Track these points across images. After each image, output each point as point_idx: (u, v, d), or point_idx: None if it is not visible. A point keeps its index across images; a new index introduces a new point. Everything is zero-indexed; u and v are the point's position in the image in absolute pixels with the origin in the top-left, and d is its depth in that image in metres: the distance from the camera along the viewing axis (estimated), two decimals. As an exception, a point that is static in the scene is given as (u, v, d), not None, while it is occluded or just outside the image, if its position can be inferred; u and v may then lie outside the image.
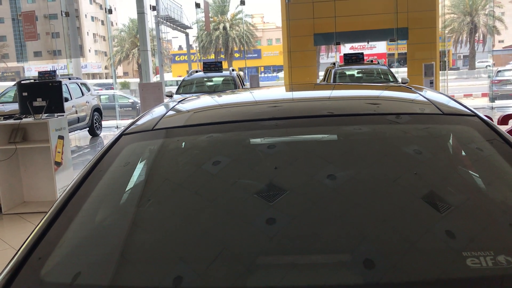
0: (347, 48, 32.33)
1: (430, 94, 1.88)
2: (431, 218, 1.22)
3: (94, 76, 57.95)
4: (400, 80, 12.28)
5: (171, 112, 1.89)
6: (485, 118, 1.56)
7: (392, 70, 14.55)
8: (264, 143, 1.68)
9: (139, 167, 1.60)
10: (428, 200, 1.26)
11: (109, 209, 1.46)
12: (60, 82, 6.11)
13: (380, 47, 40.55)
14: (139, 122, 1.82)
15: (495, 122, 4.61)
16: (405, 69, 17.20)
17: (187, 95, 5.77)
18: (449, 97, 1.85)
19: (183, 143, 1.66)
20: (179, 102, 2.10)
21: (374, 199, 1.29)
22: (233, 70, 13.71)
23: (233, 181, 1.46)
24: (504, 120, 4.80)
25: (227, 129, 1.64)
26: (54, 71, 12.74)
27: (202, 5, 18.82)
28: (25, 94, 5.96)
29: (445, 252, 1.11)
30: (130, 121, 1.95)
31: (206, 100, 2.29)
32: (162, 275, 1.12)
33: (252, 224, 1.25)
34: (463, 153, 1.52)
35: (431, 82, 12.53)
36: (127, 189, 1.52)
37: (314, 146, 1.62)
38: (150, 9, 17.04)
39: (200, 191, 1.42)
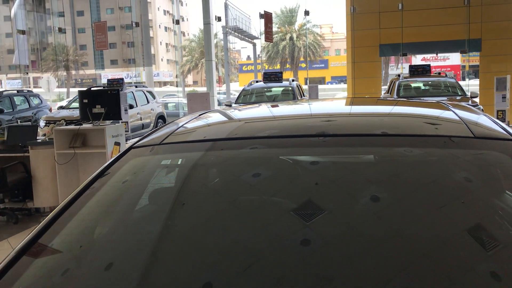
0: (418, 59, 31.30)
1: (468, 114, 1.76)
2: (476, 256, 1.11)
3: (165, 84, 60.22)
4: (469, 94, 11.66)
5: (185, 126, 1.86)
6: None
7: (464, 83, 13.85)
8: (291, 160, 1.61)
9: (142, 180, 1.59)
10: (475, 235, 1.17)
11: (107, 221, 1.45)
12: (118, 90, 6.34)
13: (454, 58, 38.88)
14: (151, 136, 1.82)
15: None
16: (477, 81, 16.33)
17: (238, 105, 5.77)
18: (492, 119, 1.72)
19: (193, 159, 1.63)
20: (200, 115, 2.06)
21: (415, 227, 1.21)
22: (293, 80, 13.66)
23: (240, 197, 1.41)
24: None
25: (239, 146, 1.59)
26: (122, 79, 13.33)
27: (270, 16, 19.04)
28: (85, 101, 6.25)
29: None
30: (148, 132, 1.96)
31: (231, 113, 2.25)
32: (190, 283, 1.10)
33: (285, 241, 1.20)
34: (502, 182, 1.39)
35: (503, 97, 11.77)
36: (130, 201, 1.51)
37: (352, 166, 1.55)
38: (216, 19, 17.41)
39: (221, 207, 1.39)
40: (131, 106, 12.31)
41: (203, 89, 40.43)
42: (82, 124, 6.33)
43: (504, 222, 1.25)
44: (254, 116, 2.15)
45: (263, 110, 2.31)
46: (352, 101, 2.98)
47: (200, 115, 2.06)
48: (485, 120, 1.70)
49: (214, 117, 2.11)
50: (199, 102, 9.99)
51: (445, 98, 10.44)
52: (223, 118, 2.10)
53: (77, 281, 1.18)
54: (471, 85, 17.62)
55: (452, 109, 1.82)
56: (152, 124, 13.73)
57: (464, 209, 1.27)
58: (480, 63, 15.76)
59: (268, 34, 16.69)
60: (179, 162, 1.67)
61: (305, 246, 1.15)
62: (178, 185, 1.55)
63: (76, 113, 11.18)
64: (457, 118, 1.69)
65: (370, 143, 1.52)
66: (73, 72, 51.13)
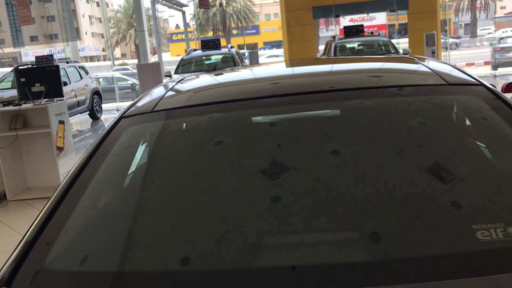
0: (346, 21, 31.92)
1: (433, 64, 1.83)
2: (437, 190, 1.20)
3: (92, 58, 57.62)
4: (401, 51, 12.13)
5: (170, 93, 1.86)
6: (491, 86, 1.52)
7: (393, 41, 14.33)
8: (266, 121, 1.66)
9: (140, 150, 1.58)
10: (435, 172, 1.24)
11: (113, 193, 1.45)
12: (58, 66, 6.03)
13: (380, 18, 40.03)
14: (138, 104, 1.80)
15: (499, 90, 4.56)
16: (406, 39, 16.98)
17: (186, 75, 5.71)
18: (453, 66, 1.81)
19: (184, 124, 1.64)
20: (177, 82, 2.06)
21: (379, 174, 1.27)
22: (231, 47, 13.56)
23: (235, 160, 1.44)
24: (508, 88, 4.71)
25: (227, 109, 1.61)
26: (52, 55, 12.62)
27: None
28: (23, 79, 5.89)
29: (453, 225, 1.09)
30: (129, 103, 1.92)
31: (205, 80, 2.26)
32: (168, 257, 1.11)
33: (257, 203, 1.23)
34: (469, 123, 1.49)
35: (433, 52, 12.37)
36: (129, 172, 1.50)
37: (317, 122, 1.59)
38: (145, -12, 16.74)
39: (203, 172, 1.41)
40: (64, 83, 11.71)
41: (134, 61, 39.09)
42: (21, 104, 5.97)
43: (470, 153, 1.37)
44: (233, 80, 2.16)
45: (230, 75, 2.34)
46: (315, 61, 3.03)
47: (177, 82, 2.06)
48: (449, 68, 1.78)
49: (196, 82, 2.10)
50: (149, 73, 9.69)
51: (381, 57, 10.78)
52: (201, 83, 2.12)
53: (61, 264, 1.17)
54: (401, 42, 18.29)
55: (421, 61, 1.89)
56: (87, 101, 13.17)
57: (429, 150, 1.35)
58: (408, 21, 16.35)
59: (204, 0, 16.30)
60: (166, 129, 1.66)
61: (276, 202, 1.19)
62: (160, 155, 1.56)
63: (6, 94, 10.51)
64: (428, 69, 1.76)
65: (359, 96, 1.56)
66: (-11, 51, 47.60)
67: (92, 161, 1.47)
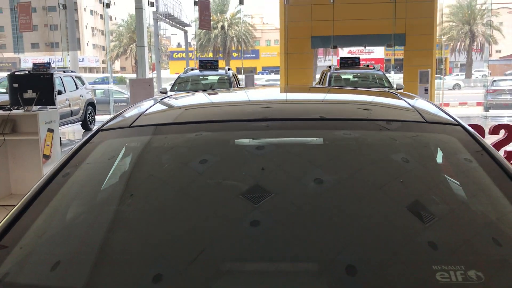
0: (345, 52, 32.35)
1: (414, 101, 1.86)
2: (405, 227, 1.20)
3: (91, 70, 57.74)
4: (395, 86, 12.30)
5: (152, 109, 1.85)
6: (469, 128, 1.53)
7: (389, 75, 14.53)
8: (249, 144, 1.65)
9: (115, 164, 1.57)
10: (403, 209, 1.25)
11: (82, 206, 1.42)
12: (52, 74, 6.06)
13: (378, 52, 40.59)
14: (118, 118, 1.79)
15: (486, 131, 4.61)
16: (402, 75, 17.22)
17: (181, 93, 5.72)
18: (435, 105, 1.83)
19: (162, 141, 1.63)
20: (162, 99, 2.05)
21: (352, 206, 1.28)
22: (229, 69, 13.68)
23: (214, 181, 1.43)
24: (495, 130, 4.79)
25: (209, 129, 1.61)
26: (49, 63, 12.67)
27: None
28: (15, 85, 5.92)
29: (415, 264, 1.09)
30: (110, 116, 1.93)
31: (190, 98, 2.26)
32: (140, 274, 1.09)
33: (235, 225, 1.22)
34: (444, 163, 1.50)
35: (426, 89, 12.55)
36: (102, 186, 1.49)
37: (299, 149, 1.60)
38: (149, 5, 16.97)
39: (180, 190, 1.40)
40: (59, 92, 11.74)
41: (132, 75, 39.26)
42: (12, 110, 5.98)
43: (447, 195, 1.38)
44: (219, 100, 2.17)
45: (219, 96, 2.35)
46: (304, 88, 3.08)
47: (162, 99, 2.05)
48: (430, 106, 1.81)
49: (178, 102, 2.10)
50: (141, 88, 9.74)
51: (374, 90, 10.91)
52: (185, 102, 2.11)
53: (25, 278, 1.13)
54: (396, 77, 18.56)
55: (402, 97, 1.92)
56: (81, 111, 13.18)
57: (404, 187, 1.36)
58: (404, 57, 16.63)
59: (205, 22, 16.50)
60: (144, 145, 1.65)
61: (255, 227, 1.19)
62: (138, 169, 1.55)
63: (0, 98, 10.50)
64: (407, 104, 1.79)
65: (339, 127, 1.58)
66: (-11, 54, 47.64)
67: (63, 171, 1.45)
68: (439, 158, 1.52)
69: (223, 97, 2.32)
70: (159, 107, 1.92)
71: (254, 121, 1.59)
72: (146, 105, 1.90)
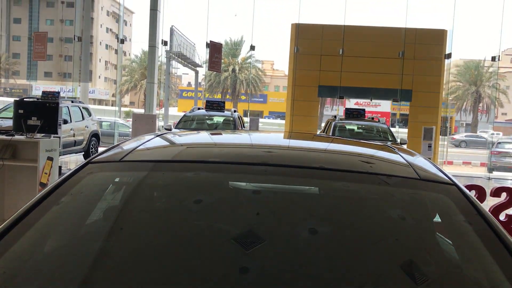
0: (352, 103, 32.72)
1: (411, 157, 1.84)
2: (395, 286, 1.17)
3: (100, 102, 58.52)
4: (398, 140, 12.32)
5: (146, 145, 1.83)
6: (464, 188, 1.52)
7: (394, 130, 14.60)
8: (245, 188, 1.63)
9: (100, 198, 1.54)
10: (394, 269, 1.23)
11: (63, 236, 1.39)
12: (58, 103, 6.12)
13: (385, 105, 41.03)
14: (110, 152, 1.77)
15: (488, 193, 4.56)
16: (406, 130, 17.31)
17: (185, 131, 5.68)
18: (432, 163, 1.82)
19: (152, 178, 1.60)
20: (159, 134, 2.04)
21: (343, 259, 1.26)
22: (235, 111, 13.81)
23: (199, 223, 1.40)
24: (497, 192, 4.73)
25: (202, 169, 1.58)
26: (58, 92, 12.83)
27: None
28: (21, 111, 5.97)
29: None
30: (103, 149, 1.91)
31: (188, 137, 2.25)
32: None
33: (223, 271, 1.19)
34: (437, 222, 1.48)
35: (429, 146, 12.56)
36: (84, 219, 1.46)
37: (295, 197, 1.59)
38: (162, 44, 17.34)
39: (166, 229, 1.37)
40: (65, 121, 11.84)
41: (140, 110, 39.76)
42: (14, 135, 6.01)
43: (441, 257, 1.36)
44: (217, 141, 2.16)
45: (217, 137, 2.34)
46: (300, 136, 3.08)
47: (157, 135, 2.03)
48: (427, 164, 1.79)
49: (172, 139, 2.08)
50: (144, 123, 9.82)
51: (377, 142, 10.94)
52: (180, 141, 2.10)
53: None
54: (401, 132, 18.65)
55: (400, 152, 1.91)
56: (85, 142, 13.24)
57: (396, 244, 1.33)
58: (410, 113, 16.76)
59: (215, 64, 16.81)
60: (133, 181, 1.63)
61: (244, 274, 1.16)
62: (126, 205, 1.52)
63: (6, 123, 10.58)
64: (403, 160, 1.77)
65: (332, 177, 1.56)
66: (3, 80, 48.48)
67: (46, 201, 1.42)
68: (433, 217, 1.50)
69: (223, 138, 2.31)
70: (155, 142, 1.90)
71: (252, 165, 1.57)
72: (141, 140, 1.88)
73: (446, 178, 1.58)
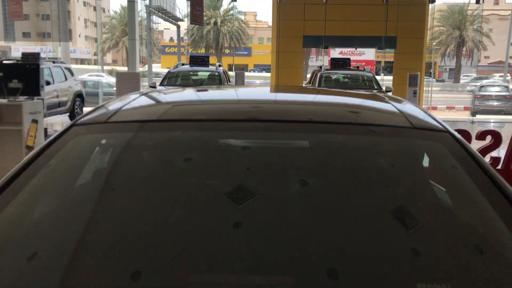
0: (336, 53, 32.43)
1: (402, 105, 1.81)
2: (389, 236, 1.18)
3: (82, 61, 57.26)
4: (384, 88, 12.36)
5: (132, 104, 1.78)
6: (457, 135, 1.50)
7: (378, 78, 14.59)
8: (234, 144, 1.61)
9: (86, 161, 1.52)
10: (391, 215, 1.23)
11: (53, 201, 1.39)
12: (38, 64, 6.01)
13: (369, 54, 40.78)
14: (94, 113, 1.71)
15: (473, 136, 4.64)
16: (391, 77, 17.33)
17: (171, 88, 5.54)
18: (424, 110, 1.79)
19: (139, 139, 1.58)
20: (144, 93, 1.98)
21: (335, 210, 1.27)
22: (219, 65, 13.66)
23: (191, 181, 1.40)
24: (481, 135, 4.82)
25: (191, 127, 1.56)
26: (38, 53, 12.52)
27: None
28: (0, 74, 5.86)
29: (396, 278, 1.07)
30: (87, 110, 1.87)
31: (175, 95, 2.18)
32: (118, 271, 1.07)
33: (216, 226, 1.20)
34: (430, 169, 1.49)
35: (415, 93, 12.63)
36: (71, 183, 1.45)
37: (285, 151, 1.58)
38: (141, -2, 16.85)
39: (154, 191, 1.36)
40: (47, 83, 11.63)
41: (124, 68, 39.05)
42: (-4, 99, 5.93)
43: (430, 202, 1.37)
44: (205, 98, 2.13)
45: (204, 94, 2.29)
46: (287, 89, 3.06)
47: (142, 94, 1.96)
48: (418, 112, 1.77)
49: (158, 97, 2.05)
50: (128, 82, 9.67)
51: (363, 91, 10.97)
52: (167, 98, 2.05)
53: None
54: (385, 80, 18.65)
55: (390, 101, 1.88)
56: (69, 103, 13.07)
57: (389, 192, 1.35)
58: (394, 60, 16.70)
59: (197, 17, 16.40)
60: (121, 143, 1.61)
61: (237, 229, 1.16)
62: (115, 167, 1.51)
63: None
64: (394, 109, 1.74)
65: (323, 130, 1.54)
66: (-22, 42, 47.04)
67: (32, 166, 1.40)
68: (426, 164, 1.50)
69: (210, 94, 2.26)
70: (140, 102, 1.85)
71: (240, 121, 1.55)
72: (126, 100, 1.83)
73: (439, 125, 1.55)
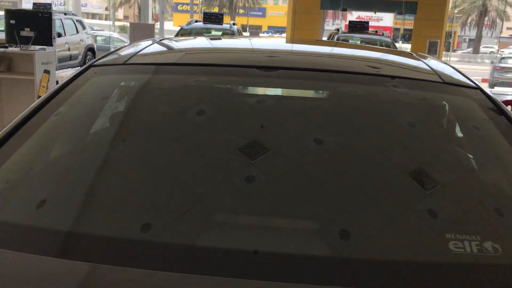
0: (354, 17, 31.77)
1: (433, 62, 1.75)
2: (416, 194, 1.12)
3: (93, 16, 56.72)
4: (402, 54, 12.07)
5: (149, 49, 1.74)
6: (488, 91, 1.46)
7: (397, 45, 14.23)
8: (247, 93, 1.57)
9: (103, 103, 1.47)
10: (415, 175, 1.17)
11: (68, 144, 1.34)
12: (51, 13, 5.87)
13: (387, 20, 39.88)
14: (112, 55, 1.70)
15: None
16: (409, 45, 16.93)
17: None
18: (454, 68, 1.74)
19: (158, 83, 1.54)
20: (161, 39, 1.96)
21: (357, 169, 1.20)
22: (234, 24, 13.37)
23: (212, 130, 1.34)
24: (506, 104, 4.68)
25: (207, 72, 1.51)
26: (50, 4, 12.30)
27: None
28: (12, 22, 5.72)
29: (426, 231, 1.02)
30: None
31: (191, 42, 2.16)
32: (128, 221, 1.04)
33: (229, 179, 1.15)
34: (459, 127, 1.42)
35: (433, 60, 12.35)
36: (88, 125, 1.39)
37: (302, 103, 1.51)
38: (156, -49, 16.41)
39: (175, 137, 1.31)
40: (59, 35, 11.48)
41: (135, 25, 38.59)
42: (7, 47, 5.80)
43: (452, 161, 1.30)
44: (222, 46, 2.06)
45: (220, 42, 2.26)
46: (308, 40, 2.96)
47: (160, 40, 1.96)
48: (449, 69, 1.72)
49: (174, 44, 2.00)
50: (142, 34, 9.49)
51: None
52: (185, 44, 2.02)
53: (7, 215, 1.07)
54: (404, 47, 18.24)
55: (421, 58, 1.82)
56: (80, 56, 12.96)
57: (415, 151, 1.28)
58: (414, 27, 16.25)
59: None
60: (138, 85, 1.56)
61: (249, 182, 1.12)
62: (131, 112, 1.47)
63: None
64: (425, 65, 1.69)
65: (349, 81, 1.47)
66: (-11, -8, 46.59)
67: (48, 106, 1.36)
68: (455, 122, 1.45)
69: (226, 43, 2.23)
70: (157, 47, 1.83)
71: (257, 68, 1.49)
72: (143, 44, 1.81)
73: (469, 81, 1.51)
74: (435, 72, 1.56)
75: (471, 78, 1.55)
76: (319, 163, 1.21)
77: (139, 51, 1.66)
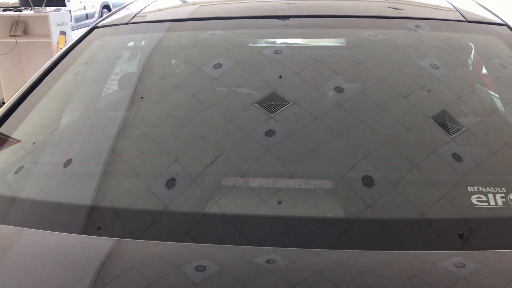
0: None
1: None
2: (439, 141, 1.09)
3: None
4: None
5: (154, 6, 1.71)
6: None
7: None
8: (260, 45, 1.52)
9: (111, 64, 1.47)
10: (439, 120, 1.13)
11: (82, 106, 1.35)
12: (62, -28, 5.77)
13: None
14: (116, 15, 1.67)
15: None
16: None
17: None
18: (478, 3, 1.65)
19: (166, 40, 1.50)
20: None
21: (380, 115, 1.17)
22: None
23: (228, 85, 1.33)
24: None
25: (220, 26, 1.48)
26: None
27: None
28: (24, -16, 5.67)
29: (447, 184, 0.99)
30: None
31: None
32: (153, 176, 1.06)
33: (251, 134, 1.15)
34: (484, 67, 1.37)
35: None
36: (97, 87, 1.41)
37: (320, 52, 1.47)
38: None
39: (187, 95, 1.30)
40: (73, -7, 11.39)
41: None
42: (22, 11, 5.79)
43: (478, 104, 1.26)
44: None
45: None
46: None
47: None
48: (472, 4, 1.63)
49: None
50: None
51: None
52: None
53: (33, 177, 1.11)
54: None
55: None
56: (96, 14, 12.85)
57: (439, 93, 1.24)
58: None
59: None
60: (145, 44, 1.54)
61: (270, 136, 1.11)
62: (143, 71, 1.44)
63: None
64: (448, 3, 1.61)
65: (368, 25, 1.43)
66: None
67: (56, 69, 1.38)
68: (480, 61, 1.38)
69: None
70: (164, 3, 1.77)
71: (272, 18, 1.46)
72: (144, 3, 1.77)
73: (496, 18, 1.44)
74: (457, 9, 1.49)
75: (496, 14, 1.48)
76: (342, 111, 1.19)
77: (142, 9, 1.63)
